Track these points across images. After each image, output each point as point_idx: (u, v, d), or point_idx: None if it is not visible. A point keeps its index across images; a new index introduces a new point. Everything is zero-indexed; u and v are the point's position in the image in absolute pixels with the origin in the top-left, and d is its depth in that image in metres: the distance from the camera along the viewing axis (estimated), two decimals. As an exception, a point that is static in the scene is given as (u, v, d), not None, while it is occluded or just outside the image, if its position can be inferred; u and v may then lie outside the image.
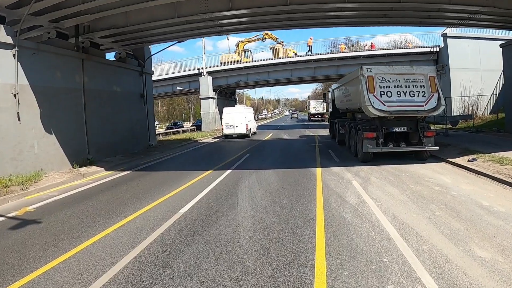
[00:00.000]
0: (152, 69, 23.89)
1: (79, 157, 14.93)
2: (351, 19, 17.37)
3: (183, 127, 45.40)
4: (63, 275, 4.77)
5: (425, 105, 12.58)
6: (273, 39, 41.53)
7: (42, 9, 12.89)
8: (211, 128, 39.26)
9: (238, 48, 41.57)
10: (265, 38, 42.49)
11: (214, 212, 7.36)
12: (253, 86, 50.81)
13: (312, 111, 59.54)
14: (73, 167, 14.20)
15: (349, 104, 16.54)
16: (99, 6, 13.57)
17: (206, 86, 39.16)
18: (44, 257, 5.42)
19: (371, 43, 37.81)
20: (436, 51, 31.98)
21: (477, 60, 29.53)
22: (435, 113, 12.99)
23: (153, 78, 42.80)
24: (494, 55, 24.54)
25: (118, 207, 8.35)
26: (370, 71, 12.69)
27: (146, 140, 21.98)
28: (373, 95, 12.43)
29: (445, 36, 30.43)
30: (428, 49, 32.54)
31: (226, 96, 47.76)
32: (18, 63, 12.35)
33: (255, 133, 32.88)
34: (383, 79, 12.70)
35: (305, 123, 54.82)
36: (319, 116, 57.72)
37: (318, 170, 11.68)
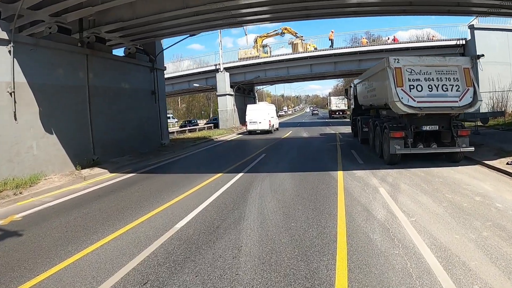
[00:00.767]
0: (164, 65, 22.83)
1: (84, 157, 14.05)
2: (374, 7, 15.89)
3: (198, 125, 44.42)
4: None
5: (460, 100, 11.15)
6: (292, 34, 40.09)
7: (40, 2, 12.07)
8: (228, 125, 38.23)
9: (256, 44, 40.27)
10: (284, 33, 41.07)
11: (215, 228, 6.21)
12: (272, 82, 49.45)
13: (333, 107, 57.93)
14: (76, 169, 13.34)
15: (373, 100, 15.16)
16: (101, -3, 12.66)
17: (223, 82, 38.09)
18: (9, 282, 4.54)
19: (394, 36, 35.97)
20: (462, 44, 29.95)
21: (506, 53, 27.50)
22: (471, 110, 11.54)
23: (170, 75, 42.61)
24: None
25: (109, 218, 7.33)
26: (398, 62, 11.31)
27: (157, 139, 21.04)
28: (401, 89, 11.06)
29: (472, 28, 28.40)
30: (454, 42, 30.56)
31: (245, 92, 46.62)
32: (15, 59, 11.53)
33: (277, 129, 33.51)
34: (412, 71, 11.31)
35: (326, 120, 53.19)
36: (340, 112, 56.12)
37: (340, 173, 10.41)
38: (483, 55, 25.86)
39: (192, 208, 7.53)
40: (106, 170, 13.33)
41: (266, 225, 6.21)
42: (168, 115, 70.67)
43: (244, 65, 38.34)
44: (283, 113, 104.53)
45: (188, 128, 38.42)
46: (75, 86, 14.13)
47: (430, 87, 11.22)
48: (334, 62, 35.61)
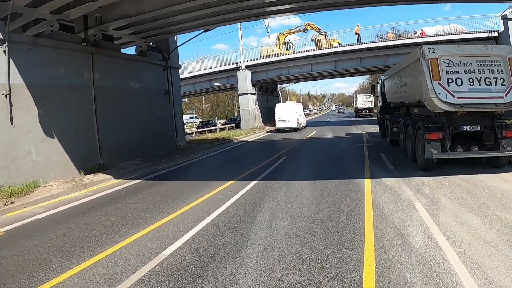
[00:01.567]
0: (184, 63, 21.79)
1: (89, 162, 13.17)
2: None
3: (216, 125, 43.37)
4: None
5: (506, 96, 9.51)
6: (315, 30, 38.47)
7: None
8: (250, 125, 37.01)
9: (279, 41, 38.80)
10: (306, 29, 39.52)
11: (209, 258, 4.98)
12: (296, 80, 47.83)
13: (359, 106, 55.80)
14: (80, 175, 12.45)
15: (403, 97, 13.58)
16: (103, -9, 11.69)
17: (245, 81, 36.89)
18: None
19: (421, 30, 33.79)
20: (495, 36, 27.60)
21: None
22: None
23: (191, 74, 41.86)
24: None
25: (93, 238, 6.28)
26: (433, 52, 9.74)
27: (172, 141, 20.06)
28: (438, 83, 9.51)
29: (505, 19, 26.06)
30: (485, 34, 28.25)
31: (268, 91, 45.28)
32: (10, 60, 10.75)
33: (304, 127, 34.71)
34: (450, 62, 9.73)
35: (352, 119, 51.14)
36: (367, 111, 53.99)
37: (367, 182, 8.99)
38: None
39: (189, 228, 6.34)
40: (110, 176, 12.36)
41: (273, 256, 4.93)
42: (191, 115, 70.43)
43: (265, 62, 37.00)
44: (308, 111, 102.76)
45: (208, 128, 37.34)
46: (79, 86, 13.24)
47: (471, 80, 9.63)
48: (359, 58, 33.80)
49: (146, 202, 8.71)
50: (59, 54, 12.40)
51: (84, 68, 13.52)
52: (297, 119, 31.94)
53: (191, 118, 64.61)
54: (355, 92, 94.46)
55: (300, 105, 37.64)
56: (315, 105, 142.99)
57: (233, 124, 40.97)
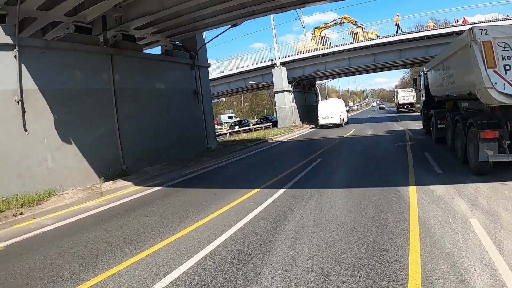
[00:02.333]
0: (209, 62, 20.93)
1: (111, 168, 12.60)
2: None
3: (249, 125, 42.37)
4: None
5: None
6: (351, 23, 36.52)
7: (47, 1, 10.70)
8: (287, 124, 35.75)
9: (315, 35, 37.22)
10: (343, 22, 37.63)
11: (206, 298, 3.98)
12: (334, 75, 45.82)
13: (401, 101, 53.08)
14: (100, 181, 11.89)
15: (450, 89, 11.94)
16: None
17: (280, 78, 35.64)
18: None
19: (464, 17, 31.05)
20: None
21: None
22: None
23: (225, 73, 41.16)
24: None
25: (88, 259, 5.57)
26: (486, 33, 8.12)
27: (203, 143, 19.30)
28: (493, 71, 7.91)
29: None
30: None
31: (305, 88, 43.77)
32: (22, 65, 10.34)
33: (347, 122, 35.50)
34: (507, 45, 8.06)
35: (393, 114, 48.57)
36: (409, 106, 51.26)
37: (412, 191, 7.61)
38: None
39: (194, 252, 5.37)
40: (130, 183, 11.69)
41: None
42: (230, 115, 69.80)
43: (301, 58, 35.54)
44: (348, 108, 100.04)
45: (242, 128, 36.44)
46: (97, 89, 12.67)
47: (532, 67, 8.02)
48: (399, 49, 31.63)
49: (157, 215, 7.85)
50: (75, 57, 11.89)
51: (103, 70, 12.94)
52: (340, 115, 32.77)
53: (229, 117, 64.13)
54: (396, 87, 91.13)
55: (342, 102, 38.74)
56: (355, 102, 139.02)
57: (270, 123, 39.91)
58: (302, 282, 4.13)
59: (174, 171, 13.89)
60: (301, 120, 38.86)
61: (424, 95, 18.36)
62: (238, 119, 59.56)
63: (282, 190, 8.88)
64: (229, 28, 17.21)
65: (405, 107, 51.85)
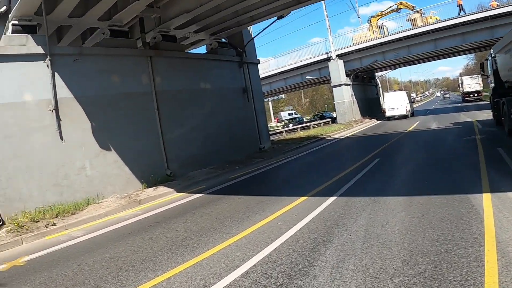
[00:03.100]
0: (257, 58, 19.88)
1: (154, 173, 12.10)
2: None
3: (303, 122, 40.67)
4: None
5: None
6: (409, 8, 33.49)
7: (77, 8, 10.50)
8: (347, 119, 33.87)
9: (371, 24, 34.80)
10: (400, 9, 34.66)
11: None
12: (393, 66, 42.63)
13: (466, 89, 48.43)
14: (142, 188, 11.45)
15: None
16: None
17: (337, 71, 33.83)
18: None
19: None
20: None
21: None
22: None
23: (281, 70, 40.01)
24: None
25: (102, 280, 5.01)
26: None
27: (255, 144, 18.37)
28: None
29: None
30: None
31: (364, 81, 41.41)
32: (55, 74, 10.14)
33: (412, 114, 34.76)
34: None
35: (459, 104, 44.27)
36: (475, 94, 46.60)
37: (487, 200, 6.00)
38: None
39: (210, 282, 4.39)
40: (172, 190, 11.05)
41: None
42: (290, 112, 68.31)
43: (358, 49, 33.42)
44: (413, 99, 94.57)
45: (300, 126, 34.97)
46: (137, 93, 12.21)
47: None
48: (461, 33, 28.35)
49: (187, 229, 6.99)
50: (111, 61, 11.55)
51: (142, 73, 12.47)
52: (406, 106, 32.55)
53: (289, 114, 62.65)
54: (460, 75, 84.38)
55: (408, 93, 38.21)
56: (418, 92, 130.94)
57: (328, 119, 38.16)
58: None
59: (221, 175, 13.10)
60: (361, 115, 36.69)
61: (492, 81, 15.97)
62: (298, 115, 57.99)
63: (331, 199, 7.62)
64: (275, 20, 16.08)
65: (471, 96, 47.36)
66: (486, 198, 6.05)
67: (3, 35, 9.86)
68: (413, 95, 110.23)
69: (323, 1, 29.24)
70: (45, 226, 8.30)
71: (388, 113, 33.01)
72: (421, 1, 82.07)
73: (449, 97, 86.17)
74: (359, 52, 33.69)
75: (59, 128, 9.98)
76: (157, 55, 12.93)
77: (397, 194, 7.26)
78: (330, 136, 24.79)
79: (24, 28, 9.93)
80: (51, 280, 5.28)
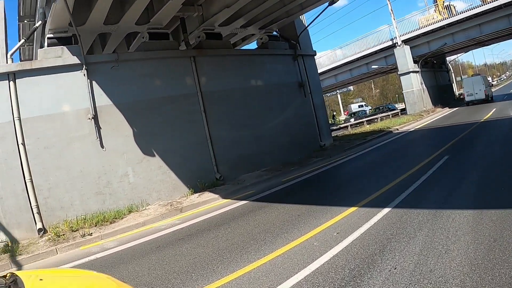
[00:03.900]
0: (314, 49, 18.58)
1: (203, 178, 11.64)
2: None
3: (366, 115, 38.20)
4: None
5: None
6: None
7: (110, 15, 10.39)
8: (417, 109, 31.20)
9: (437, 5, 31.61)
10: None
11: None
12: (464, 48, 38.21)
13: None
14: (188, 193, 11.09)
15: None
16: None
17: (404, 58, 31.20)
18: None
19: None
20: None
21: None
22: None
23: (344, 61, 37.99)
24: None
25: None
26: None
27: (315, 141, 17.17)
28: None
29: None
30: None
31: (434, 66, 37.92)
32: (93, 82, 10.13)
33: (492, 98, 34.03)
34: None
35: (542, 86, 39.14)
36: None
37: None
38: None
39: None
40: (217, 196, 10.49)
41: None
42: (360, 104, 65.28)
43: (424, 33, 30.46)
44: (491, 83, 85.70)
45: (366, 119, 32.85)
46: (180, 96, 11.81)
47: None
48: None
49: (217, 246, 6.29)
50: (151, 65, 11.33)
51: (186, 74, 12.02)
52: (485, 90, 32.34)
53: (360, 106, 59.93)
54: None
55: (486, 77, 37.90)
56: (494, 76, 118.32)
57: (397, 111, 35.64)
58: None
59: (273, 177, 12.27)
60: (432, 104, 33.61)
61: None
62: (368, 107, 55.14)
63: (384, 211, 6.42)
64: (327, 6, 14.85)
65: None
66: None
67: (39, 50, 10.00)
68: (489, 79, 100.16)
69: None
70: (81, 236, 8.22)
71: (467, 98, 32.84)
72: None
73: None
74: (426, 36, 30.77)
75: (99, 136, 9.92)
76: (201, 55, 12.41)
77: (465, 207, 5.86)
78: (397, 129, 22.85)
79: (59, 40, 10.05)
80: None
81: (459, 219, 5.35)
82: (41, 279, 2.98)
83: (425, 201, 6.61)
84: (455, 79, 45.72)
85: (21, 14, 12.51)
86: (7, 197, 8.91)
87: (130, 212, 9.66)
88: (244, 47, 17.86)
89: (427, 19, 31.04)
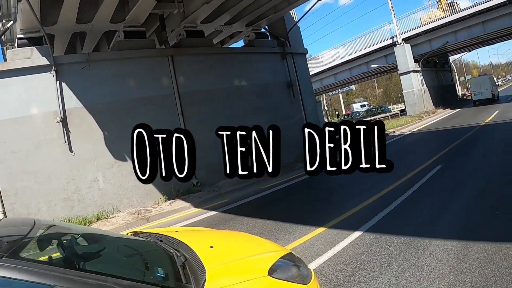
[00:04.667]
0: (305, 47, 18.00)
1: (178, 184, 11.03)
2: None
3: (380, 113, 37.64)
4: None
5: None
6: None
7: (82, 14, 9.95)
8: (417, 110, 30.56)
9: (440, 3, 30.85)
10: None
11: None
12: (468, 47, 37.32)
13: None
14: (162, 200, 10.67)
15: None
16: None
17: (404, 57, 30.55)
18: None
19: None
20: None
21: None
22: None
23: (343, 60, 37.24)
24: None
25: None
26: None
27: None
28: None
29: None
30: None
31: (437, 66, 37.25)
32: (63, 83, 9.79)
33: (498, 97, 35.08)
34: None
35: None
36: None
37: None
38: None
39: None
40: (188, 204, 10.11)
41: None
42: (362, 103, 64.43)
43: (425, 31, 29.90)
44: (498, 83, 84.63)
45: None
46: (156, 97, 11.39)
47: None
48: None
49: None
50: (126, 65, 10.94)
51: (162, 74, 11.60)
52: (491, 90, 33.39)
53: (362, 106, 59.26)
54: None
55: (492, 77, 39.18)
56: (499, 76, 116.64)
57: (399, 111, 35.20)
58: None
59: (252, 184, 11.75)
60: (434, 104, 32.94)
61: None
62: (370, 107, 54.41)
63: (353, 236, 5.81)
64: (316, 2, 14.35)
65: None
66: None
67: (7, 51, 9.67)
68: (495, 79, 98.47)
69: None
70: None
71: (474, 97, 33.90)
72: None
73: None
74: (427, 34, 30.16)
75: (68, 140, 9.66)
76: (179, 54, 11.97)
77: (448, 236, 5.13)
78: (394, 131, 22.32)
79: (31, 41, 9.74)
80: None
81: (438, 253, 4.69)
82: (211, 246, 3.07)
83: (404, 225, 6.00)
84: (459, 79, 44.90)
85: (-1, 15, 12.16)
86: (-29, 203, 8.63)
87: (98, 219, 9.34)
88: (232, 45, 17.33)
89: (429, 16, 30.42)
